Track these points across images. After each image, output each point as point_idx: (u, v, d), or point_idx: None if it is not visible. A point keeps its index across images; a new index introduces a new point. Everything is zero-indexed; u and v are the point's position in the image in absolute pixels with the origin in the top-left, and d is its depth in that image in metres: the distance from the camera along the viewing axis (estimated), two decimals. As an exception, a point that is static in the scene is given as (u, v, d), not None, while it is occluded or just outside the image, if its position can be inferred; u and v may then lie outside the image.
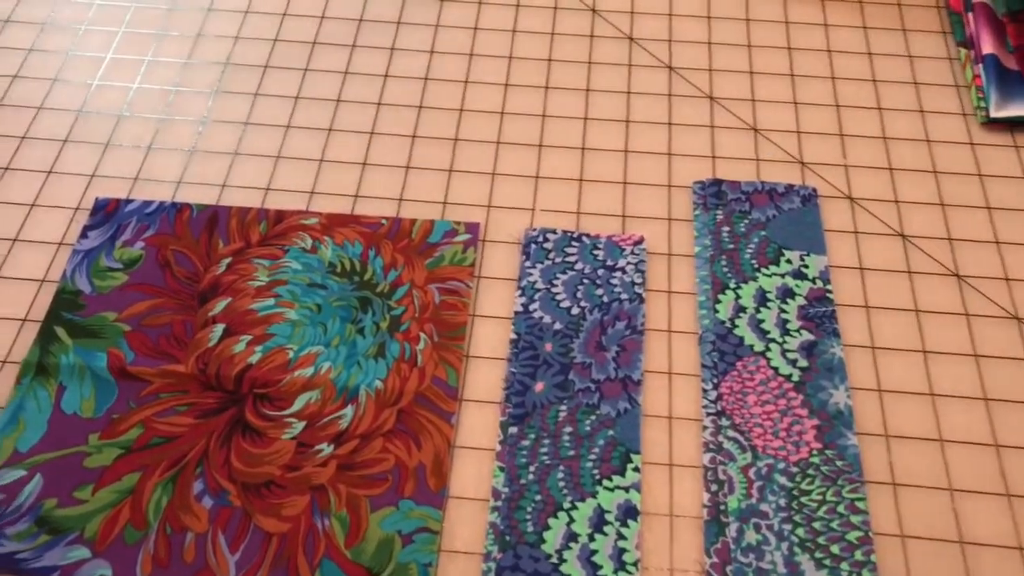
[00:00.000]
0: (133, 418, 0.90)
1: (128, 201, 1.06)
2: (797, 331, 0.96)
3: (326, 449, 0.89)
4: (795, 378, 0.93)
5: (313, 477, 0.87)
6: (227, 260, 1.01)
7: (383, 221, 1.05)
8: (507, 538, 0.84)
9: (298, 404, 0.91)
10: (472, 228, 1.04)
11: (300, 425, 0.90)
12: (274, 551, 0.83)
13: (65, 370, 0.93)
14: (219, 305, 0.98)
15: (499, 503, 0.86)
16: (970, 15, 1.20)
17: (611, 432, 0.90)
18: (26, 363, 0.93)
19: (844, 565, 0.82)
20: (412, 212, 1.07)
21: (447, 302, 0.99)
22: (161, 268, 1.00)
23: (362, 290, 0.99)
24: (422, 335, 0.96)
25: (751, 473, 0.87)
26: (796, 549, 0.83)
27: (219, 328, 0.96)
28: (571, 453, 0.88)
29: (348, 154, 1.12)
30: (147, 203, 1.06)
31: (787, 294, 0.99)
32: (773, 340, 0.96)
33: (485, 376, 0.94)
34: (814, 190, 1.07)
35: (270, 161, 1.11)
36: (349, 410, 0.91)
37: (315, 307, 0.98)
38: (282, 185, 1.09)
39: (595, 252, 1.02)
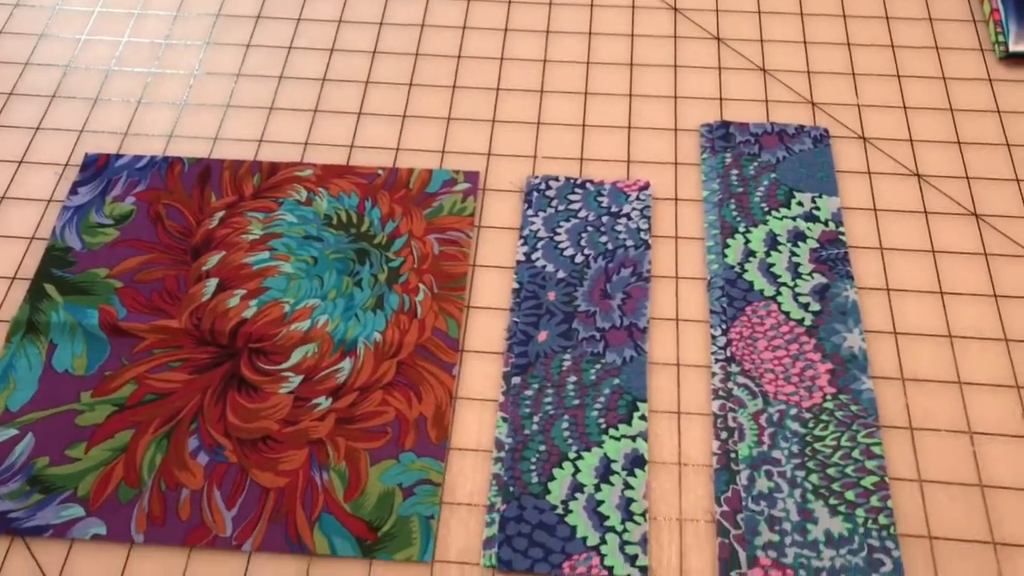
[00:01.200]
0: (126, 375, 0.88)
1: (118, 156, 1.03)
2: (809, 274, 0.93)
3: (324, 403, 0.86)
4: (807, 322, 0.90)
5: (311, 431, 0.84)
6: (220, 214, 0.99)
7: (379, 171, 1.01)
8: (511, 489, 0.81)
9: (295, 358, 0.89)
10: (472, 177, 1.01)
11: (297, 379, 0.87)
12: (272, 506, 0.81)
13: (56, 328, 0.90)
14: (212, 259, 0.95)
15: (502, 454, 0.83)
16: (987, -53, 1.16)
17: (617, 380, 0.87)
18: (16, 321, 0.91)
19: (859, 511, 0.79)
20: (409, 162, 1.03)
21: (447, 252, 0.96)
22: (153, 223, 0.98)
23: (359, 242, 0.96)
24: (421, 286, 0.93)
25: (762, 420, 0.84)
26: (810, 496, 0.80)
27: (212, 283, 0.93)
28: (576, 402, 0.86)
29: (343, 104, 1.08)
30: (138, 158, 1.03)
31: (798, 237, 0.95)
32: (784, 284, 0.92)
33: (486, 327, 0.92)
34: (826, 130, 1.03)
35: (263, 113, 1.08)
36: (347, 363, 0.88)
37: (311, 260, 0.95)
38: (276, 137, 1.05)
39: (599, 199, 0.99)
